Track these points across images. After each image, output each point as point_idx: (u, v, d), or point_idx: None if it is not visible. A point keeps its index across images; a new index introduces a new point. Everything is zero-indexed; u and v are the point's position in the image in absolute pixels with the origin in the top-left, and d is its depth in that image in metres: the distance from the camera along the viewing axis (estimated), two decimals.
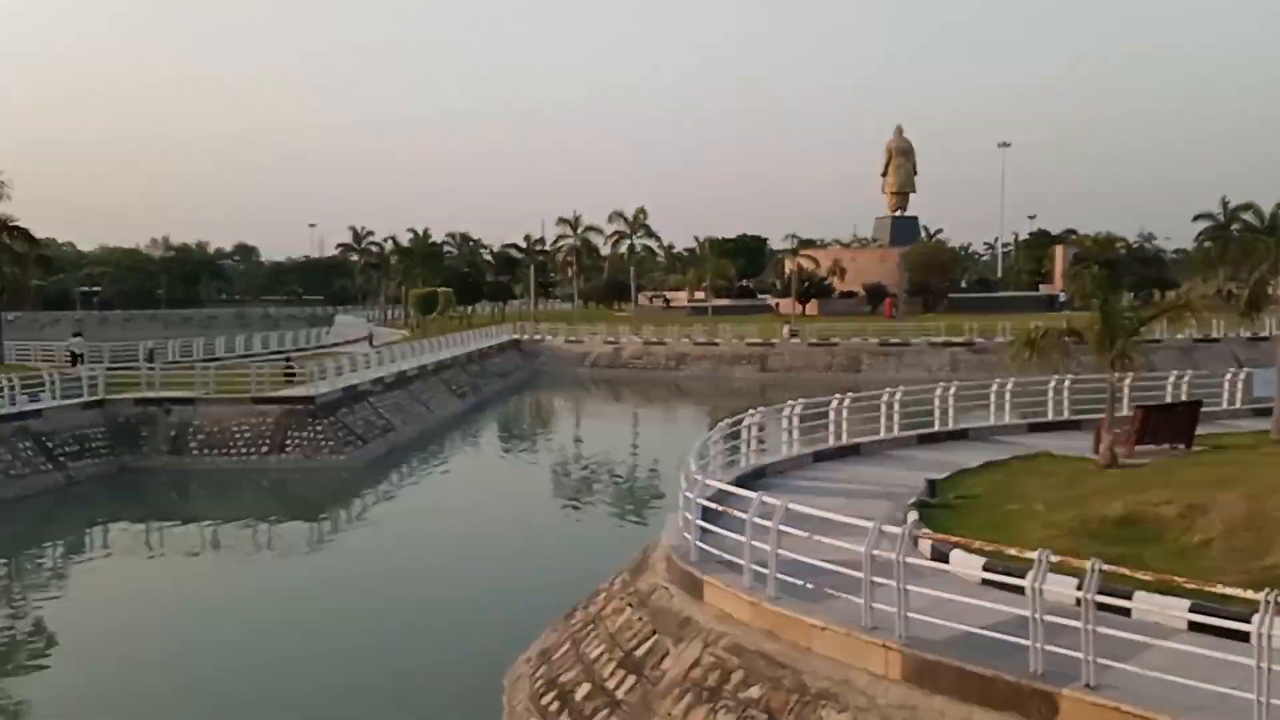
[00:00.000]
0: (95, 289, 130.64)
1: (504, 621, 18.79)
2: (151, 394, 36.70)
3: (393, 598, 21.42)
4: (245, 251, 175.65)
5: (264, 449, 34.97)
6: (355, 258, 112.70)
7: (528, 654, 15.61)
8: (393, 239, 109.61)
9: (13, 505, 29.51)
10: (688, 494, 13.99)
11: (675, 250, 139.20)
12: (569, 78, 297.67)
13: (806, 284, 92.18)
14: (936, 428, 23.65)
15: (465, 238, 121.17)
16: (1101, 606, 8.77)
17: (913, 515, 14.41)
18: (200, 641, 19.01)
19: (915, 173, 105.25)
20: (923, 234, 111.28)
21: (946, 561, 12.10)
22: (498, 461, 41.92)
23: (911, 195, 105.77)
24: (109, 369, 40.09)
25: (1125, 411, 22.22)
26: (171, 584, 23.64)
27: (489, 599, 20.98)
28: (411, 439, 41.55)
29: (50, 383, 34.95)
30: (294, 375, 41.36)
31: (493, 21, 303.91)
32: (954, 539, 12.12)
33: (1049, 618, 8.97)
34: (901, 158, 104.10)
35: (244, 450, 34.95)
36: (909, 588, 10.03)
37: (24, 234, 44.63)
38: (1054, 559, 9.19)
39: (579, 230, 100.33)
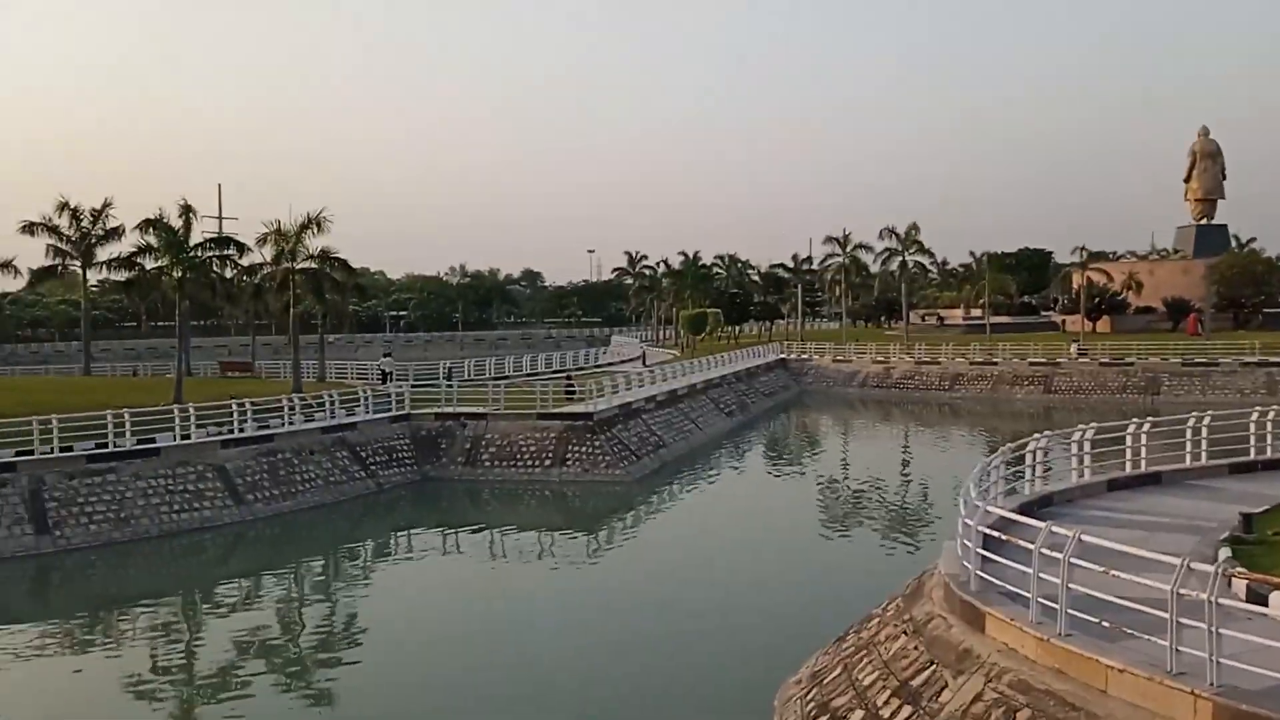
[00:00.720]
0: (402, 313, 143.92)
1: (772, 641, 18.87)
2: (450, 409, 39.87)
3: (662, 611, 22.02)
4: (531, 277, 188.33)
5: (547, 462, 37.00)
6: (629, 281, 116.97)
7: (798, 675, 15.57)
8: (664, 262, 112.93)
9: (331, 509, 33.00)
10: (968, 521, 13.50)
11: (949, 266, 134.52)
12: (838, 92, 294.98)
13: (1097, 299, 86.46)
14: (1251, 456, 21.63)
15: (734, 259, 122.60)
16: None
17: (1225, 552, 13.30)
18: (486, 637, 20.46)
19: (1224, 177, 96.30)
20: (1233, 243, 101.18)
21: (1265, 604, 11.01)
22: (764, 479, 42.05)
23: (1220, 202, 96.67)
24: (413, 386, 44.02)
25: None
26: (464, 584, 25.51)
27: (757, 618, 21.09)
28: (681, 455, 42.54)
29: (364, 398, 38.71)
30: (574, 393, 43.53)
31: (756, 42, 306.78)
32: (1275, 580, 10.98)
33: None
34: (1208, 160, 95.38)
35: (529, 463, 37.15)
36: (1221, 631, 9.20)
37: (343, 264, 49.39)
38: None
39: (848, 249, 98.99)
